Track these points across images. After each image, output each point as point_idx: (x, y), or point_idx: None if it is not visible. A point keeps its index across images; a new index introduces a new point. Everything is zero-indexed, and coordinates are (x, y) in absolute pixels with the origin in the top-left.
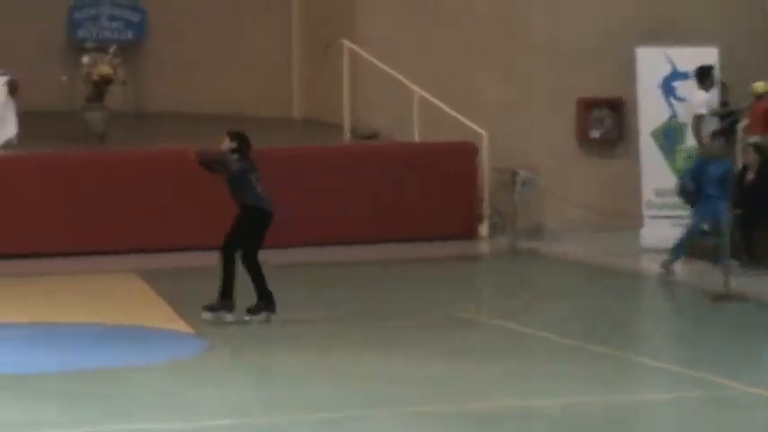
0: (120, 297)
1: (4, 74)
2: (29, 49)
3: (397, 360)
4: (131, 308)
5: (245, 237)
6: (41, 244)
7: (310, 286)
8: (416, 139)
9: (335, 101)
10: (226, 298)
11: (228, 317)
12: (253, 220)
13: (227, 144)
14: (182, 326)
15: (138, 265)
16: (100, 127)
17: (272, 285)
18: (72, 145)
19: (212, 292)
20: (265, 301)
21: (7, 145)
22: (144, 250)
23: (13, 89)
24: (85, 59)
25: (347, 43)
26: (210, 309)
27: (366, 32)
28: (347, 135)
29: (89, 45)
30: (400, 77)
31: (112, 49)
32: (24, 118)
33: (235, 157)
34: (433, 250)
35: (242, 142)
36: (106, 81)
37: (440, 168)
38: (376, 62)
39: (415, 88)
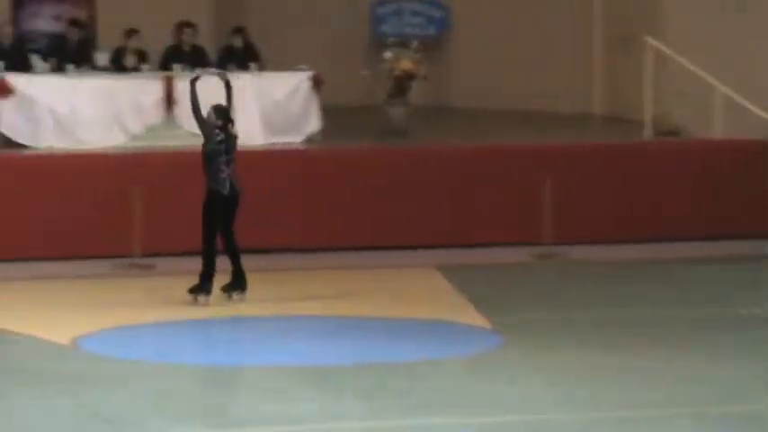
0: (420, 291)
1: (307, 69)
2: (332, 45)
3: (683, 359)
4: (430, 302)
5: (213, 218)
6: (339, 237)
7: (599, 284)
8: (718, 135)
9: (637, 97)
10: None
11: (205, 300)
12: (210, 202)
13: (213, 118)
14: (479, 321)
15: (438, 260)
16: (402, 122)
17: (536, 283)
18: (374, 140)
19: (508, 286)
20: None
21: (310, 139)
22: (445, 245)
23: (316, 84)
24: (387, 55)
25: (650, 40)
26: (191, 291)
27: (668, 27)
28: (648, 132)
29: (391, 40)
30: (702, 73)
31: (414, 44)
32: (326, 112)
33: (218, 137)
34: (725, 249)
35: (226, 120)
36: (408, 76)
37: (737, 165)
38: (678, 58)
39: (718, 84)
